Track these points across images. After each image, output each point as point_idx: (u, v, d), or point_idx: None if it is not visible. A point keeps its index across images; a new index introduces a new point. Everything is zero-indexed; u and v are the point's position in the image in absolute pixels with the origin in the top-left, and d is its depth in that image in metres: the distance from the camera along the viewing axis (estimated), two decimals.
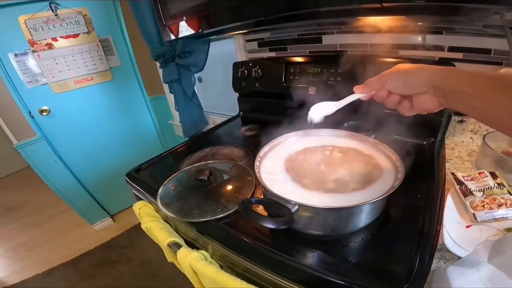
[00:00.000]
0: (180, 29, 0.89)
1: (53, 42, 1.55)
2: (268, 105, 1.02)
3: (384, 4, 0.44)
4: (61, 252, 1.90)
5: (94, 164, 1.90)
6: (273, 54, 1.12)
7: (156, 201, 0.61)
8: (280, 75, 0.96)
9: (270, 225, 0.37)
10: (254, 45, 1.18)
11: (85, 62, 1.68)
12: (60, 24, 1.54)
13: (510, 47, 0.60)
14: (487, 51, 0.68)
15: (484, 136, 0.61)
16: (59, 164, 1.74)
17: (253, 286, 0.43)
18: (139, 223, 0.68)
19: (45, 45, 1.53)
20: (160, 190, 0.64)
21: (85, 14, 1.60)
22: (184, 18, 0.84)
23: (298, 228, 0.47)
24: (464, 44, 0.71)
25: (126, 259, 1.78)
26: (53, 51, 1.56)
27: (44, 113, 1.63)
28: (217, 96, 1.60)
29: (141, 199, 0.72)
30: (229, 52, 1.32)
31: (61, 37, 1.56)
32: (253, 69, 1.03)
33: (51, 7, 1.48)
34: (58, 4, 1.50)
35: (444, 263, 0.42)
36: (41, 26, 1.49)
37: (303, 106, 0.76)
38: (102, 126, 1.87)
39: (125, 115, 1.95)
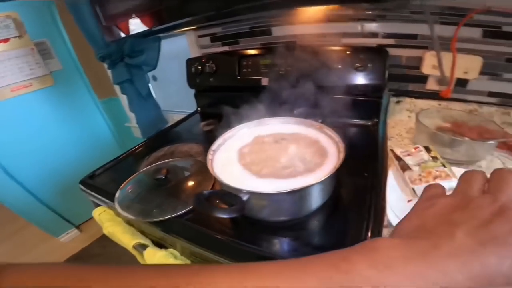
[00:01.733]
0: (125, 27, 0.84)
1: None
2: (225, 98, 1.01)
3: None
4: None
5: (48, 175, 1.75)
6: (226, 48, 1.12)
7: (114, 205, 0.60)
8: (233, 69, 0.96)
9: (222, 215, 0.39)
10: (207, 40, 1.17)
11: (20, 67, 1.52)
12: None
13: (431, 31, 0.67)
14: (414, 36, 0.75)
15: (417, 114, 0.67)
16: (7, 179, 1.58)
17: None
18: None
19: None
20: (117, 194, 0.63)
21: (15, 18, 1.46)
22: (128, 16, 0.80)
23: (258, 216, 0.49)
24: (395, 30, 0.77)
25: None
26: None
27: None
28: (175, 93, 1.56)
29: (100, 205, 0.70)
30: (183, 49, 1.28)
31: None
32: (207, 65, 1.02)
33: None
34: None
35: None
36: None
37: (258, 97, 0.78)
38: (50, 135, 1.72)
39: (75, 121, 1.80)
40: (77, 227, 2.02)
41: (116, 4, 0.81)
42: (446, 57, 0.72)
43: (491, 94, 0.74)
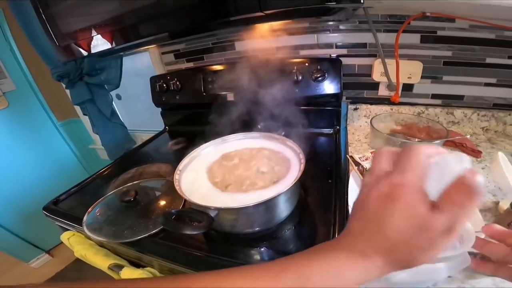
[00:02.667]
0: (82, 46, 0.82)
1: None
2: (192, 116, 1.02)
3: (266, 12, 0.49)
4: None
5: (10, 201, 1.62)
6: (191, 64, 1.13)
7: (83, 229, 0.58)
8: (199, 85, 0.97)
9: (189, 232, 0.40)
10: (171, 57, 1.16)
11: None
12: None
13: (375, 39, 0.73)
14: (363, 45, 0.82)
15: (371, 120, 0.73)
16: None
17: None
18: None
19: None
20: (85, 218, 0.61)
21: None
22: (84, 36, 0.78)
23: (229, 230, 0.50)
24: (347, 40, 0.83)
25: None
26: None
27: None
28: (142, 112, 1.52)
29: (68, 230, 0.67)
30: (147, 65, 1.26)
31: None
32: (171, 82, 1.01)
33: None
34: None
35: None
36: None
37: (224, 113, 0.80)
38: (8, 160, 1.60)
39: (34, 144, 1.69)
40: (48, 252, 1.90)
41: (68, 22, 0.78)
42: (391, 63, 0.78)
43: (434, 96, 0.82)
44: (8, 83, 1.55)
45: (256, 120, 0.76)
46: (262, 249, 0.48)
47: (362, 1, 0.47)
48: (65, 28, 0.79)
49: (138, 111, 1.55)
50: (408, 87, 0.83)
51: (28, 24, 1.06)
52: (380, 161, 0.26)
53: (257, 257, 0.47)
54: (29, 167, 1.69)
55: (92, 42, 0.79)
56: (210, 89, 0.96)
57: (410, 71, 0.79)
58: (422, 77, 0.79)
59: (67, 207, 0.72)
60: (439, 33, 0.73)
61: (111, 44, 0.77)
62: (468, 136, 0.69)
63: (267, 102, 0.75)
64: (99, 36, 0.77)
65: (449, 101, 0.81)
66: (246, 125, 0.74)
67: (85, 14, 0.74)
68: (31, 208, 1.67)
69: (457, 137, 0.68)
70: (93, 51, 0.81)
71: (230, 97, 0.90)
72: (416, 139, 0.69)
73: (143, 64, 1.29)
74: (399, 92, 0.81)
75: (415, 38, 0.76)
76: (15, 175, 1.64)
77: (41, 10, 0.77)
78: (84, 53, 0.81)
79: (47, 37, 0.82)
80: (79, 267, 1.79)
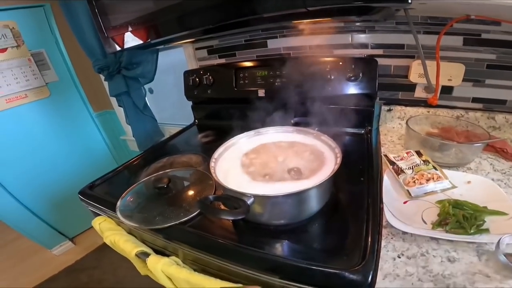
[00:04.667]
0: (124, 40, 0.87)
1: None
2: (222, 110, 1.04)
3: (310, 9, 0.50)
4: (23, 280, 1.72)
5: (41, 187, 1.73)
6: (223, 60, 1.16)
7: (116, 214, 0.60)
8: (230, 81, 0.99)
9: (227, 217, 0.40)
10: (204, 52, 1.20)
11: (16, 78, 1.51)
12: None
13: (416, 40, 0.71)
14: (401, 46, 0.80)
15: (407, 121, 0.71)
16: None
17: (228, 282, 0.44)
18: (104, 243, 0.66)
19: None
20: (118, 203, 0.63)
21: (13, 27, 1.46)
22: (129, 29, 0.83)
23: (260, 220, 0.51)
24: (383, 41, 0.82)
25: (98, 280, 1.66)
26: None
27: None
28: (171, 106, 1.58)
29: (100, 215, 0.69)
30: (180, 61, 1.31)
31: None
32: (204, 77, 1.04)
33: None
34: None
35: (392, 238, 0.47)
36: None
37: (255, 108, 0.81)
38: (44, 147, 1.71)
39: (70, 133, 1.80)
40: (71, 239, 1.99)
41: (117, 16, 0.83)
42: (431, 65, 0.76)
43: (475, 100, 0.78)
44: (51, 74, 1.66)
45: (287, 116, 0.77)
46: (290, 242, 0.48)
47: (410, 1, 0.46)
48: (114, 20, 0.84)
49: (167, 105, 1.62)
50: (447, 90, 0.80)
51: (75, 18, 1.14)
52: None
53: (284, 249, 0.47)
54: (63, 154, 1.80)
55: (134, 36, 0.84)
56: (241, 84, 0.98)
57: (451, 73, 0.76)
58: (463, 80, 0.76)
59: (101, 193, 0.74)
60: (484, 36, 0.70)
61: (150, 38, 0.81)
62: (505, 138, 0.65)
63: (299, 99, 0.76)
64: (140, 30, 0.81)
65: (491, 105, 0.78)
66: (277, 121, 0.74)
67: (132, 7, 0.79)
68: (61, 195, 1.79)
69: (496, 140, 0.65)
70: (134, 44, 0.85)
71: (261, 93, 0.92)
72: (455, 142, 0.66)
73: (177, 59, 1.34)
74: (438, 94, 0.78)
75: (457, 40, 0.73)
76: (48, 161, 1.74)
77: (94, 2, 0.81)
78: (127, 45, 0.86)
79: (97, 28, 0.87)
80: (98, 256, 1.86)
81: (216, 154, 0.58)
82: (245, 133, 0.65)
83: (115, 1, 0.79)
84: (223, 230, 0.53)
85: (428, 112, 0.82)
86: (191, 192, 0.67)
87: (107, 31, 0.86)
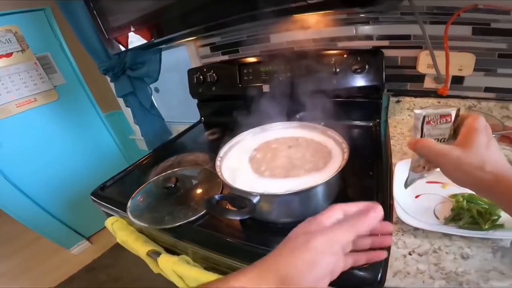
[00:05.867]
0: (126, 40, 0.87)
1: None
2: (227, 107, 1.04)
3: (309, 1, 0.48)
4: (45, 279, 1.78)
5: (56, 189, 1.77)
6: (226, 57, 1.15)
7: (127, 214, 0.61)
8: (234, 77, 0.99)
9: (233, 217, 0.41)
10: (207, 50, 1.20)
11: (25, 82, 1.54)
12: None
13: (423, 30, 0.69)
14: (407, 36, 0.77)
15: (414, 110, 0.69)
16: (17, 194, 1.60)
17: None
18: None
19: None
20: (129, 204, 0.64)
21: (16, 32, 1.48)
22: (129, 29, 0.83)
23: (268, 218, 0.51)
24: (388, 32, 0.80)
25: (115, 279, 1.71)
26: None
27: None
28: (178, 105, 1.58)
29: (112, 215, 0.71)
30: (184, 59, 1.31)
31: None
32: (208, 74, 1.04)
33: None
34: None
35: (402, 235, 0.46)
36: None
37: (260, 104, 0.80)
38: (56, 149, 1.75)
39: (80, 135, 1.83)
40: (88, 238, 2.05)
41: (117, 17, 0.84)
42: (440, 55, 0.73)
43: (487, 89, 0.76)
44: (59, 77, 1.68)
45: (293, 111, 0.76)
46: None
47: None
48: (113, 22, 0.84)
49: (173, 104, 1.62)
50: (457, 80, 0.77)
51: (76, 20, 1.14)
52: (332, 213, 0.33)
53: None
54: (75, 156, 1.83)
55: (136, 36, 0.84)
56: (245, 80, 0.97)
57: (461, 63, 0.73)
58: (474, 70, 0.73)
59: (112, 193, 0.76)
60: (493, 25, 0.67)
61: (152, 37, 0.81)
62: None
63: (304, 93, 0.75)
64: (142, 30, 0.81)
65: (504, 94, 0.75)
66: (282, 116, 0.74)
67: (130, 8, 0.79)
68: (75, 195, 1.83)
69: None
70: (136, 44, 0.86)
71: (266, 88, 0.91)
72: None
73: (180, 58, 1.34)
74: (448, 84, 0.76)
75: (466, 30, 0.70)
76: (62, 163, 1.78)
77: (91, 4, 0.82)
78: (129, 46, 0.87)
79: (98, 30, 0.88)
80: (114, 255, 1.90)
81: (221, 153, 0.58)
82: (251, 130, 0.64)
83: (113, 2, 0.79)
84: (231, 228, 0.53)
85: (439, 102, 0.80)
86: (199, 191, 0.68)
87: (108, 32, 0.87)
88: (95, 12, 0.85)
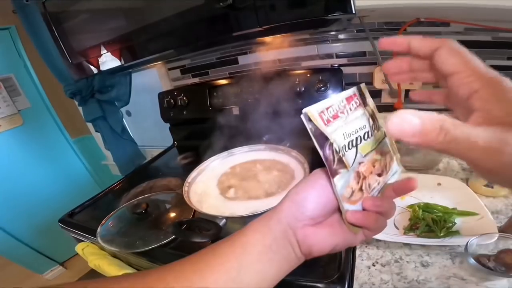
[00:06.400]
0: (93, 64, 0.86)
1: None
2: (199, 130, 1.04)
3: (264, 27, 0.51)
4: None
5: (26, 215, 1.68)
6: (196, 79, 1.16)
7: (97, 240, 0.61)
8: (205, 100, 1.00)
9: (198, 239, 0.42)
10: (177, 72, 1.20)
11: None
12: None
13: (373, 46, 0.74)
14: (363, 53, 0.83)
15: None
16: None
17: None
18: None
19: None
20: (99, 229, 0.65)
21: None
22: (95, 54, 0.82)
23: None
24: (346, 50, 0.85)
25: None
26: None
27: None
28: (151, 128, 1.55)
29: (82, 241, 0.71)
30: (155, 82, 1.30)
31: None
32: (178, 98, 1.04)
33: None
34: None
35: (366, 247, 0.48)
36: None
37: (230, 126, 0.82)
38: (24, 176, 1.66)
39: (48, 161, 1.75)
40: (62, 264, 1.95)
41: (81, 40, 0.83)
42: None
43: None
44: (23, 101, 1.61)
45: (261, 132, 0.78)
46: None
47: (354, 12, 0.48)
48: (77, 46, 0.83)
49: (147, 127, 1.59)
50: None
51: (41, 41, 1.11)
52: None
53: None
54: (43, 183, 1.75)
55: (103, 60, 0.84)
56: (215, 103, 0.98)
57: None
58: (423, 83, 0.79)
59: (81, 220, 0.76)
60: (436, 37, 0.74)
61: (121, 61, 0.82)
62: None
63: (271, 114, 0.77)
64: (109, 53, 0.81)
65: None
66: (252, 137, 0.75)
67: (95, 31, 0.79)
68: (46, 222, 1.73)
69: None
70: (104, 68, 0.85)
71: (235, 110, 0.93)
72: None
73: (151, 80, 1.33)
74: (402, 98, 0.82)
75: None
76: (30, 190, 1.69)
77: (53, 27, 0.81)
78: (96, 70, 0.86)
79: (60, 54, 0.86)
80: (91, 279, 1.82)
81: (189, 178, 0.58)
82: (218, 155, 0.66)
83: (78, 24, 0.79)
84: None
85: None
86: (172, 215, 0.68)
87: (72, 57, 0.85)
88: (57, 34, 0.84)
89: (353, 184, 0.25)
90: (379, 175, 0.28)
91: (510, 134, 0.17)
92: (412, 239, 0.47)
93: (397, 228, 0.50)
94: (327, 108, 0.24)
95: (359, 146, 0.26)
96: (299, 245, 0.27)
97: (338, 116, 0.24)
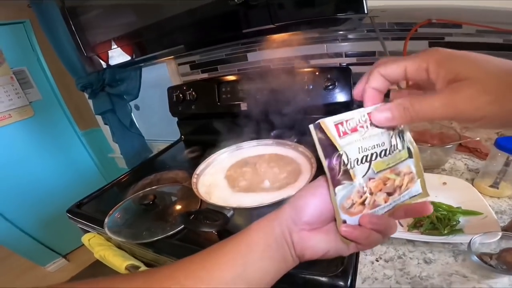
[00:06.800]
0: (105, 58, 0.88)
1: None
2: (207, 125, 1.06)
3: (277, 24, 0.52)
4: None
5: (31, 206, 1.70)
6: (205, 75, 1.18)
7: (104, 230, 0.62)
8: (213, 95, 1.01)
9: (206, 229, 0.43)
10: (187, 68, 1.22)
11: (0, 98, 1.50)
12: None
13: (383, 46, 0.74)
14: (372, 53, 0.83)
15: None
16: None
17: None
18: (98, 260, 0.68)
19: None
20: (106, 220, 0.65)
21: None
22: (109, 47, 0.84)
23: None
24: (356, 49, 0.85)
25: None
26: None
27: None
28: (158, 122, 1.57)
29: (89, 232, 0.72)
30: (164, 77, 1.32)
31: None
32: (187, 92, 1.06)
33: None
34: None
35: None
36: None
37: (238, 122, 0.83)
38: (31, 166, 1.69)
39: (56, 152, 1.78)
40: (64, 256, 1.97)
41: (96, 34, 0.85)
42: None
43: None
44: (35, 93, 1.64)
45: (269, 128, 0.79)
46: None
47: (366, 12, 0.49)
48: (92, 39, 0.85)
49: (155, 121, 1.61)
50: None
51: (55, 35, 1.14)
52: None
53: None
54: (51, 174, 1.78)
55: (115, 54, 0.86)
56: (224, 99, 0.99)
57: None
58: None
59: (89, 210, 0.76)
60: (447, 39, 0.73)
61: (132, 56, 0.83)
62: (478, 139, 0.68)
63: (279, 111, 0.78)
64: (122, 48, 0.83)
65: None
66: (259, 133, 0.76)
67: (109, 26, 0.81)
68: (51, 213, 1.77)
69: (468, 140, 0.68)
70: (115, 62, 0.87)
71: (244, 106, 0.93)
72: (429, 145, 0.69)
73: (160, 75, 1.35)
74: None
75: (423, 45, 0.76)
76: (38, 181, 1.72)
77: (70, 21, 0.83)
78: (108, 64, 0.87)
79: (76, 47, 0.88)
80: (93, 272, 1.83)
81: (198, 170, 0.60)
82: (227, 148, 0.67)
83: (93, 18, 0.80)
84: (209, 241, 0.54)
85: None
86: (177, 207, 0.69)
87: (86, 49, 0.87)
88: (73, 27, 0.86)
89: (354, 196, 0.26)
90: (389, 194, 0.28)
91: (456, 87, 0.21)
92: (416, 236, 0.47)
93: (401, 225, 0.51)
94: (346, 121, 0.25)
95: (373, 162, 0.26)
96: (294, 246, 0.28)
97: (357, 130, 0.25)
